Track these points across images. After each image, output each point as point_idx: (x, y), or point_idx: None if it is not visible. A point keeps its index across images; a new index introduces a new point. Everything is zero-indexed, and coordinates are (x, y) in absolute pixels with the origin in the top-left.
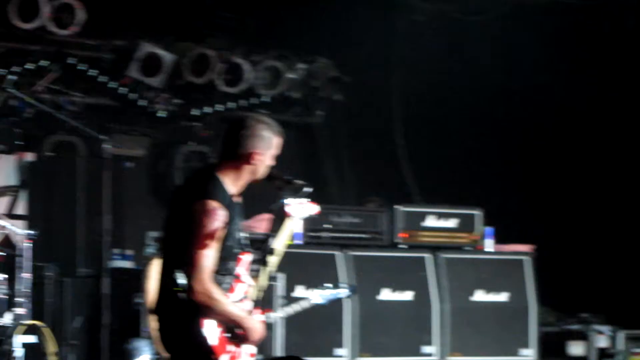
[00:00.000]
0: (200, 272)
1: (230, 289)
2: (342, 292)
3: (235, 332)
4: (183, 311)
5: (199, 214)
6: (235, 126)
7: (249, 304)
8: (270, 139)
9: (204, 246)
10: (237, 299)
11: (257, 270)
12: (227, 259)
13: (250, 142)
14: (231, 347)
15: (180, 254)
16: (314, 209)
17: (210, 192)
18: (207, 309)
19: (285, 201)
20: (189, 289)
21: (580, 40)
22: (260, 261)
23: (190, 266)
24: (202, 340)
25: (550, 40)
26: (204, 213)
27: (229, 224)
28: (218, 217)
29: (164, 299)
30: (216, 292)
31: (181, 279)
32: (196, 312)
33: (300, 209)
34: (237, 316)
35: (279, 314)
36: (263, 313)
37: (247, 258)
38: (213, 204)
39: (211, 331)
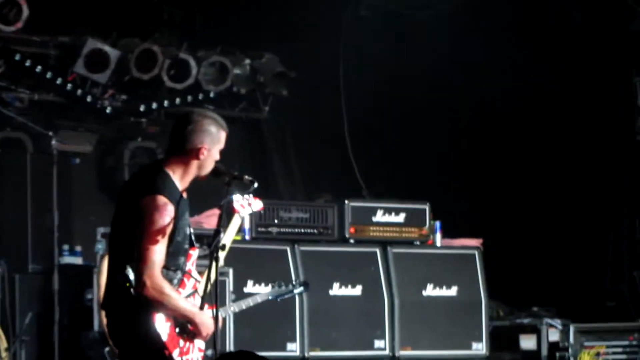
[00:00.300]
0: (150, 267)
1: (180, 284)
2: (295, 289)
3: (186, 328)
4: (133, 307)
5: (148, 210)
6: (181, 122)
7: (198, 300)
8: (217, 133)
9: (154, 242)
10: (187, 294)
11: (206, 266)
12: (176, 254)
13: (197, 137)
14: (181, 342)
15: (129, 250)
16: (258, 205)
17: (159, 188)
18: (158, 304)
19: (232, 197)
20: (139, 284)
21: (527, 35)
22: (210, 256)
23: (140, 261)
24: (154, 335)
25: (497, 35)
26: (153, 208)
27: (178, 219)
28: (167, 212)
29: (114, 294)
30: (167, 287)
31: (131, 275)
32: (147, 308)
33: (245, 205)
34: (188, 311)
35: (229, 310)
36: (212, 308)
37: (195, 254)
38: (162, 199)
39: (162, 326)
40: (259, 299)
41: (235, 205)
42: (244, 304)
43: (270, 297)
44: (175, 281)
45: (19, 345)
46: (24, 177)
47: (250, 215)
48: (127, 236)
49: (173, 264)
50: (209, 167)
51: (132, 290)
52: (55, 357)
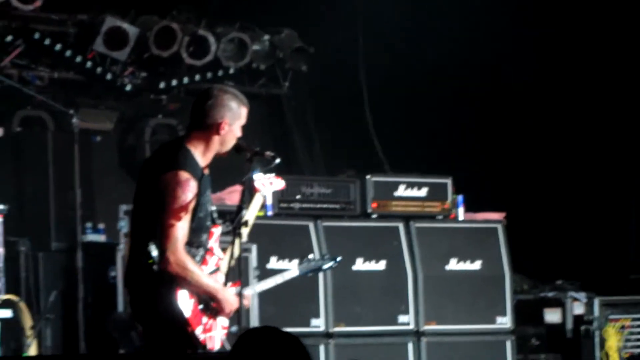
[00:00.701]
0: (173, 243)
1: (203, 262)
2: (325, 264)
3: (209, 304)
4: (156, 284)
5: (170, 185)
6: (202, 97)
7: (221, 277)
8: (237, 108)
9: (177, 218)
10: (210, 271)
11: (229, 243)
12: (198, 231)
13: (217, 112)
14: (204, 319)
15: (151, 227)
16: (280, 184)
17: (181, 163)
18: (181, 280)
19: (254, 176)
20: (162, 260)
21: (548, 8)
22: (233, 233)
23: (163, 238)
24: (177, 311)
25: (520, 8)
26: (176, 184)
27: (200, 195)
28: (190, 188)
29: (136, 272)
30: (190, 263)
31: (154, 252)
32: (170, 284)
33: (267, 184)
34: (211, 287)
35: (257, 288)
36: (236, 285)
37: (218, 231)
38: (185, 174)
39: (185, 303)
40: (287, 276)
41: (257, 184)
42: (273, 281)
43: (299, 273)
44: (198, 258)
45: (44, 323)
46: (46, 155)
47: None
48: (149, 213)
49: (195, 241)
50: (230, 142)
51: (154, 267)
52: (79, 335)
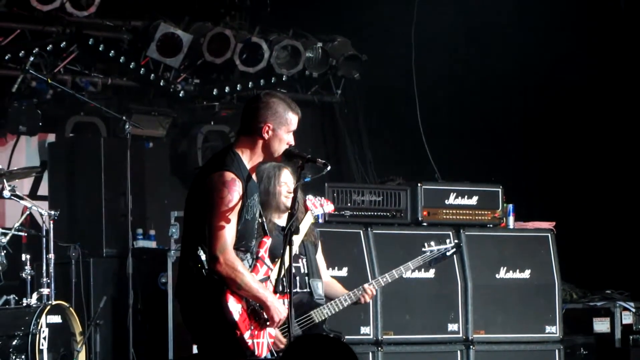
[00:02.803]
0: (222, 243)
1: (253, 269)
2: (448, 251)
3: (258, 312)
4: (206, 287)
5: (217, 186)
6: (250, 101)
7: (270, 287)
8: (283, 113)
9: (224, 218)
10: (260, 279)
11: (280, 252)
12: (246, 235)
13: (261, 115)
14: (252, 326)
15: (201, 231)
16: (330, 207)
17: (227, 164)
18: (231, 282)
19: (307, 197)
20: (212, 260)
21: (598, 16)
22: (285, 239)
23: (212, 238)
24: (226, 315)
25: (570, 16)
26: (222, 184)
27: (247, 197)
28: (236, 188)
29: (186, 278)
30: (240, 265)
31: (203, 256)
32: (219, 288)
33: (318, 206)
34: (260, 293)
35: (382, 282)
36: (284, 298)
37: (269, 242)
38: (230, 174)
39: (234, 307)
40: (411, 266)
41: (308, 203)
42: (397, 273)
43: (422, 262)
44: (246, 264)
45: (94, 329)
46: (98, 161)
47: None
48: (199, 218)
49: (243, 245)
50: (276, 147)
51: (204, 271)
52: (129, 341)
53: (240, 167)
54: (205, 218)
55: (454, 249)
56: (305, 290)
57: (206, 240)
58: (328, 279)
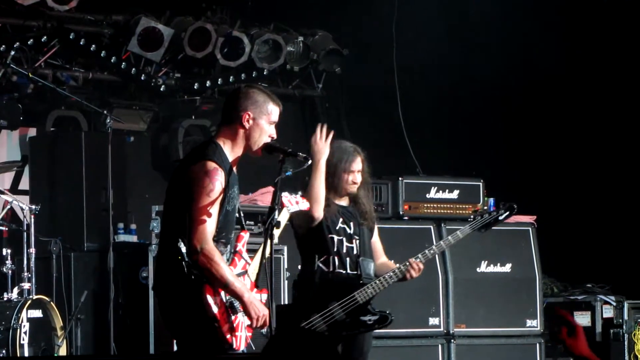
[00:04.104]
0: (203, 234)
1: (231, 263)
2: (500, 215)
3: (235, 306)
4: (186, 280)
5: (198, 175)
6: (231, 94)
7: (248, 280)
8: (263, 103)
9: (205, 207)
10: (238, 273)
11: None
12: (227, 226)
13: (241, 104)
14: (232, 318)
15: (181, 223)
16: (305, 204)
17: (208, 154)
18: (209, 274)
19: (282, 194)
20: (191, 250)
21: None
22: (265, 234)
23: (192, 229)
24: (206, 307)
25: (549, 10)
26: (204, 174)
27: (228, 188)
28: (218, 177)
29: (165, 270)
30: (217, 256)
31: (183, 248)
32: (200, 280)
33: (293, 203)
34: (237, 287)
35: (435, 249)
36: (262, 292)
37: (246, 236)
38: (212, 164)
39: (214, 300)
40: (460, 235)
41: (284, 200)
42: (444, 244)
43: (471, 230)
44: (225, 257)
45: (75, 323)
46: (79, 155)
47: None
48: (179, 210)
49: (223, 237)
50: (256, 137)
51: (184, 263)
52: (110, 335)
53: (222, 158)
54: (185, 209)
55: (508, 212)
56: (353, 272)
57: (186, 232)
58: (383, 261)
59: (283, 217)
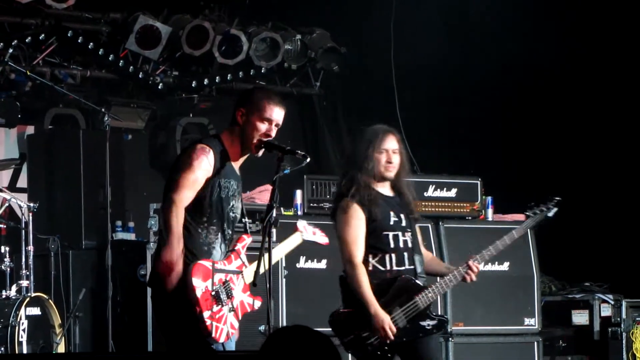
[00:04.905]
0: (179, 190)
1: (226, 258)
2: (549, 212)
3: (220, 296)
4: None
5: (186, 154)
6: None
7: (241, 281)
8: (258, 100)
9: (186, 174)
10: (231, 270)
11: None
12: (216, 215)
13: (239, 102)
14: (215, 308)
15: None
16: (324, 239)
17: (201, 141)
18: (167, 227)
19: (299, 222)
20: (165, 202)
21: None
22: (263, 231)
23: (171, 188)
24: (189, 290)
25: (548, 9)
26: (192, 152)
27: (220, 175)
28: (206, 153)
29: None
30: (180, 216)
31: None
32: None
33: (309, 231)
34: (176, 255)
35: (486, 255)
36: (257, 299)
37: (248, 240)
38: (201, 144)
39: (198, 284)
40: (515, 235)
41: (300, 225)
42: (500, 245)
43: (524, 230)
44: (219, 251)
45: (73, 321)
46: (77, 153)
47: (302, 190)
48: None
49: (214, 224)
50: (249, 133)
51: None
52: (109, 333)
53: (215, 146)
54: (170, 181)
55: (557, 208)
56: (410, 267)
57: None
58: (428, 255)
59: (295, 241)
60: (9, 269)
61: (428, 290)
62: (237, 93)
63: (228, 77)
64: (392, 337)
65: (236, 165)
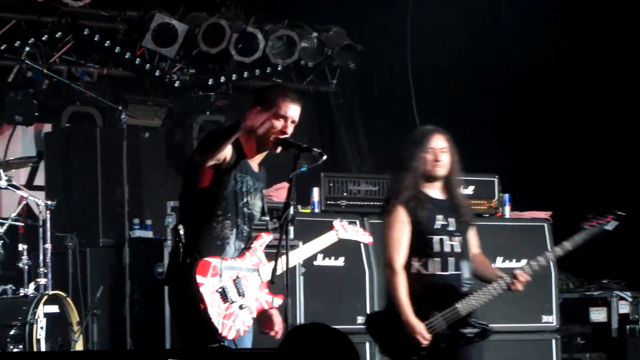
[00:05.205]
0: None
1: (241, 255)
2: (608, 225)
3: (226, 293)
4: (181, 259)
5: (199, 142)
6: None
7: (257, 278)
8: (273, 97)
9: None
10: (246, 267)
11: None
12: (231, 208)
13: (255, 100)
14: (223, 305)
15: (183, 207)
16: (367, 239)
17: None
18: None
19: (336, 221)
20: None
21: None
22: (280, 229)
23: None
24: (193, 286)
25: (565, 6)
26: (203, 139)
27: (237, 170)
28: (220, 140)
29: (170, 257)
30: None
31: (182, 231)
32: (193, 260)
33: (350, 230)
34: None
35: (551, 257)
36: (279, 297)
37: (267, 238)
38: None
39: (204, 280)
40: (569, 246)
41: (336, 224)
42: (550, 256)
43: (577, 243)
44: (232, 245)
45: (91, 318)
46: (94, 151)
47: (319, 188)
48: (182, 194)
49: (229, 218)
50: (261, 130)
51: (181, 245)
52: (127, 331)
53: (234, 142)
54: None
55: (618, 222)
56: (455, 272)
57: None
58: (481, 260)
59: (329, 239)
60: (26, 267)
61: (470, 297)
62: (253, 91)
63: (245, 75)
64: (424, 343)
65: (253, 162)
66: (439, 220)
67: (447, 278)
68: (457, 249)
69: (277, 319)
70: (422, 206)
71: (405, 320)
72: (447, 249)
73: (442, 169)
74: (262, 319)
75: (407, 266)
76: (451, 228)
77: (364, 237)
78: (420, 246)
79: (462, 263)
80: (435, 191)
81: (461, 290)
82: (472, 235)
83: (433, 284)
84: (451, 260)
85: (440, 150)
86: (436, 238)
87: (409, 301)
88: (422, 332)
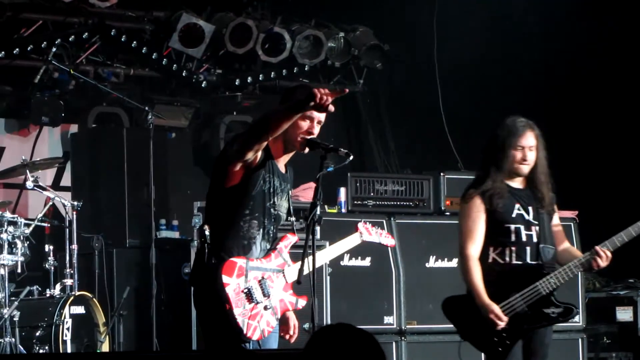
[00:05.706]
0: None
1: (266, 256)
2: None
3: (252, 294)
4: (207, 260)
5: (228, 143)
6: None
7: (282, 280)
8: (298, 97)
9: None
10: (271, 268)
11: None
12: (259, 209)
13: (281, 101)
14: (248, 305)
15: (209, 208)
16: (389, 241)
17: None
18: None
19: (360, 223)
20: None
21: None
22: (307, 229)
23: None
24: (219, 286)
25: (593, 5)
26: (233, 140)
27: (266, 170)
28: (254, 137)
29: (195, 258)
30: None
31: (208, 231)
32: (219, 261)
33: (373, 233)
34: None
35: (613, 244)
36: (303, 298)
37: (293, 239)
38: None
39: (230, 281)
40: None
41: (360, 226)
42: (634, 231)
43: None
44: (258, 246)
45: (117, 319)
46: (121, 151)
47: (346, 188)
48: (209, 196)
49: (256, 218)
50: (289, 131)
51: (206, 245)
52: (153, 331)
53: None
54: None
55: None
56: (532, 262)
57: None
58: (565, 247)
59: (353, 241)
60: (53, 268)
61: (550, 277)
62: (280, 91)
63: (271, 75)
64: (500, 325)
65: (279, 163)
66: (517, 210)
67: (524, 267)
68: (535, 239)
69: (293, 322)
70: (499, 195)
71: (480, 303)
72: (524, 238)
73: (527, 167)
74: (279, 322)
75: (484, 255)
76: (529, 217)
77: (387, 239)
78: (497, 235)
79: (540, 252)
80: (515, 182)
81: (539, 270)
82: (558, 227)
83: (509, 273)
84: (528, 249)
85: (529, 149)
86: (513, 227)
87: (483, 285)
88: (498, 313)
